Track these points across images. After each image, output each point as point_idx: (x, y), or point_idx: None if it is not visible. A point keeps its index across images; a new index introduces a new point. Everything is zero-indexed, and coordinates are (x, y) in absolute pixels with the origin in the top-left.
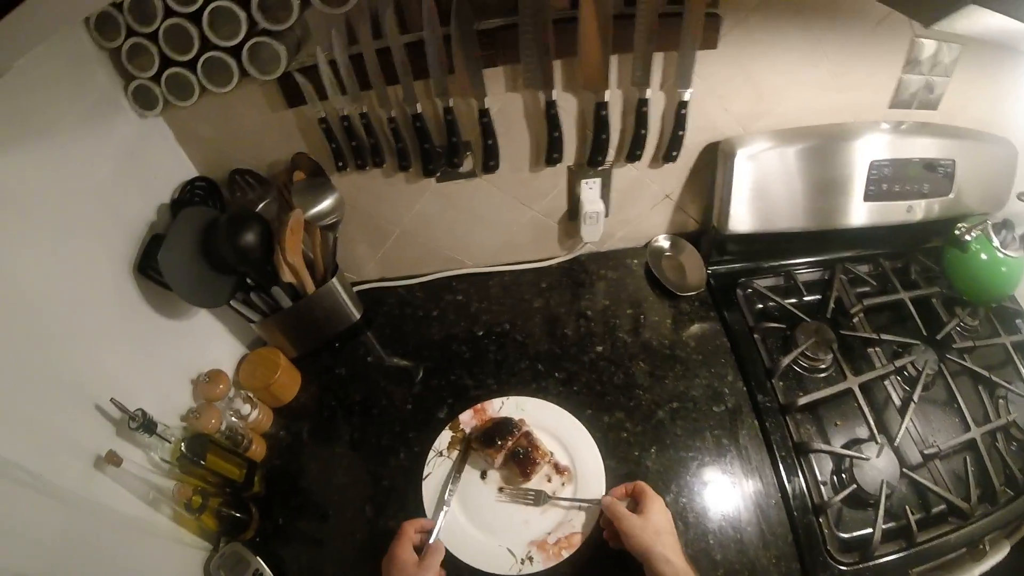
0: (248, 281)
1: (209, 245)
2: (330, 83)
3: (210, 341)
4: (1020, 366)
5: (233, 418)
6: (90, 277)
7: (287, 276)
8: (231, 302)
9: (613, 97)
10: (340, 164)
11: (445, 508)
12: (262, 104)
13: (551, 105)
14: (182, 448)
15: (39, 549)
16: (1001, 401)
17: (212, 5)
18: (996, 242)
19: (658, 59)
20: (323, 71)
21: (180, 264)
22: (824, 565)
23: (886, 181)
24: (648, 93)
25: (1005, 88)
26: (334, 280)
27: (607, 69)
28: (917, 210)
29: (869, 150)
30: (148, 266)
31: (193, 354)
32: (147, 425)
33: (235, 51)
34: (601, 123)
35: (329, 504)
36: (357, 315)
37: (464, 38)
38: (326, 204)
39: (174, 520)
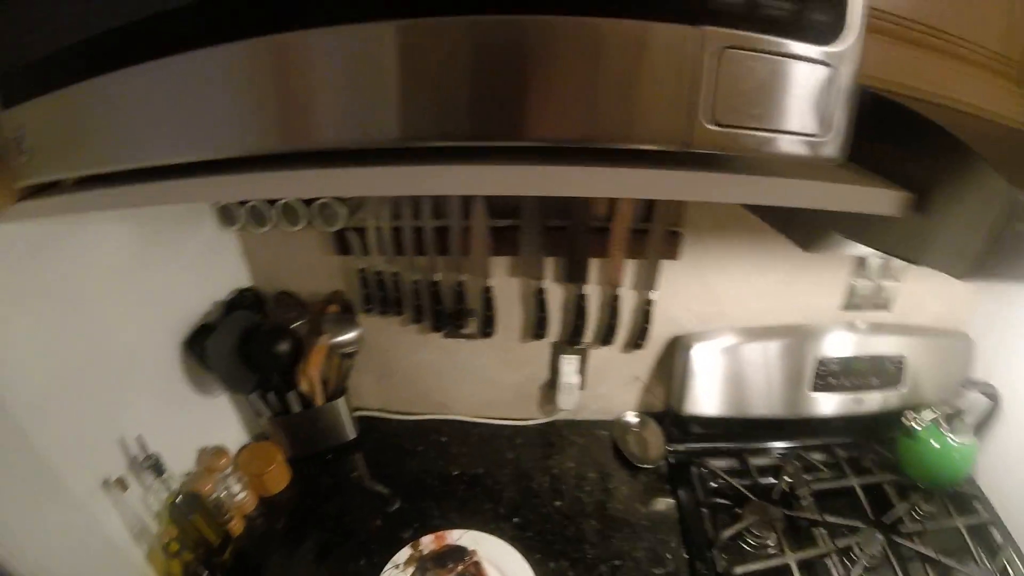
0: (271, 382)
1: (248, 344)
2: (373, 244)
3: (223, 423)
4: (974, 548)
5: (223, 492)
6: (148, 340)
7: (304, 386)
8: (251, 396)
9: (592, 291)
10: (368, 307)
11: None
12: (316, 247)
13: (540, 291)
14: (177, 499)
15: (31, 532)
16: None
17: None
18: (946, 429)
19: (630, 264)
20: (370, 234)
21: (221, 351)
22: None
23: (833, 376)
24: (620, 291)
25: (959, 286)
26: (340, 400)
27: (587, 269)
28: (869, 402)
29: (819, 348)
30: (194, 345)
31: (206, 427)
32: (157, 467)
33: (308, 204)
34: (580, 311)
35: None
36: (352, 435)
37: (478, 231)
38: (349, 336)
39: (147, 558)
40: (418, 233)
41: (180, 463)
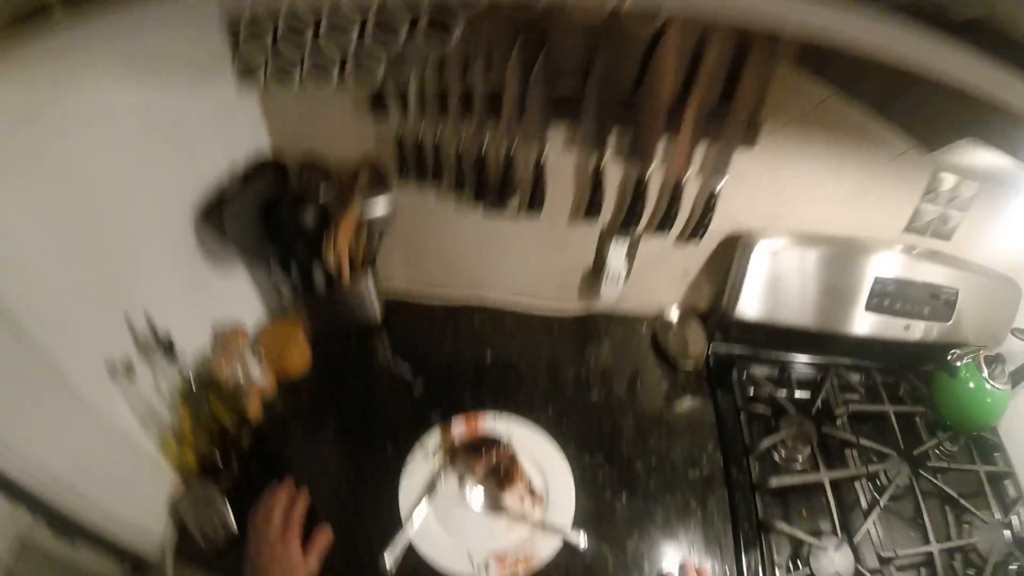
0: (294, 256)
1: (270, 215)
2: (414, 104)
3: (241, 299)
4: (990, 495)
5: (241, 374)
6: (160, 205)
7: (330, 261)
8: (272, 271)
9: (655, 173)
10: (403, 176)
11: (428, 501)
12: (348, 108)
13: (598, 168)
14: (191, 381)
15: (29, 423)
16: (965, 526)
17: (330, 21)
18: (986, 373)
19: (700, 148)
20: (411, 93)
21: (241, 222)
22: None
23: (888, 297)
24: (686, 176)
25: (1018, 231)
26: (368, 277)
27: (655, 148)
28: (915, 330)
29: (877, 266)
30: (211, 217)
31: (223, 305)
32: (169, 348)
33: (341, 57)
34: (640, 194)
35: (308, 475)
36: (379, 315)
37: (538, 94)
38: (382, 206)
39: (159, 446)
40: (466, 94)
41: (194, 344)
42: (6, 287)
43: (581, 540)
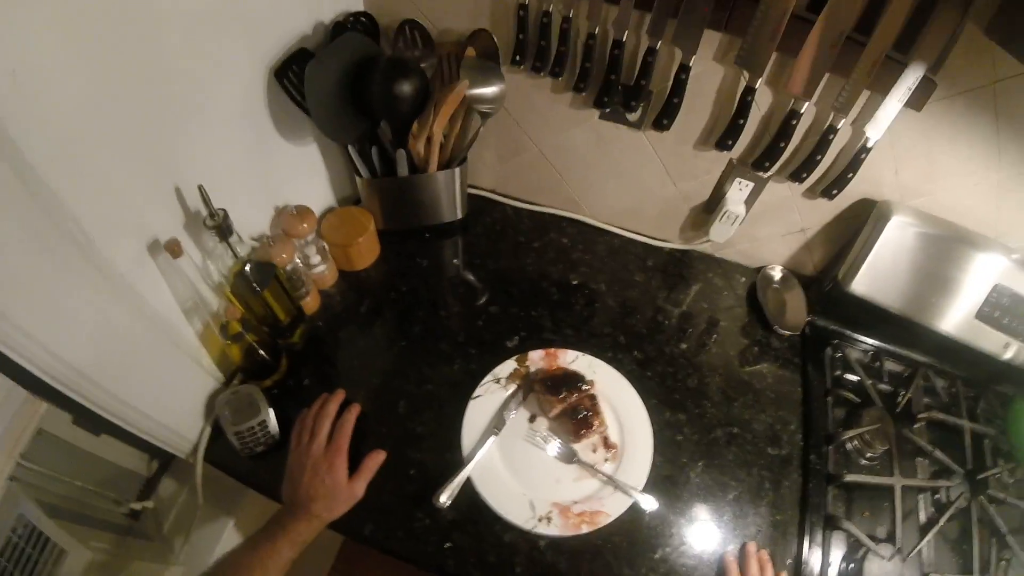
0: (378, 134)
1: (358, 80)
2: None
3: (310, 178)
4: None
5: (300, 263)
6: (228, 61)
7: (420, 144)
8: (350, 148)
9: (808, 111)
10: (517, 58)
11: (493, 435)
12: None
13: (749, 91)
14: (246, 267)
15: (52, 303)
16: (1003, 562)
17: None
18: None
19: (864, 96)
20: None
21: (322, 85)
22: None
23: (999, 309)
24: (841, 123)
25: None
26: (458, 169)
27: (817, 83)
28: (1011, 350)
29: (1000, 273)
30: (287, 75)
31: (288, 184)
32: (224, 228)
33: None
34: (786, 130)
35: (363, 385)
36: (460, 214)
37: None
38: (491, 90)
39: (200, 337)
40: None
41: (252, 223)
42: (29, 136)
43: (651, 504)
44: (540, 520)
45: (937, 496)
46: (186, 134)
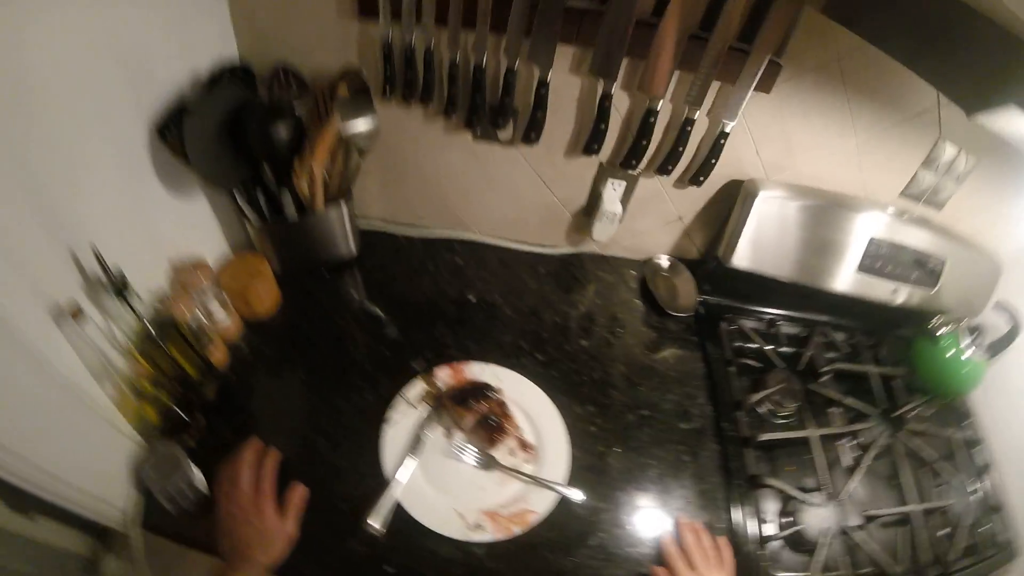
0: (261, 179)
1: (236, 128)
2: (408, 7)
3: (201, 230)
4: (958, 461)
5: (203, 315)
6: (107, 121)
7: (303, 185)
8: (236, 195)
9: (664, 108)
10: (387, 90)
11: (413, 456)
12: (331, 7)
13: (607, 97)
14: (147, 325)
15: None
16: (935, 489)
17: None
18: (965, 343)
19: (715, 87)
20: None
21: (202, 136)
22: None
23: (880, 259)
24: (696, 114)
25: (1006, 210)
26: (343, 205)
27: (668, 80)
28: (901, 294)
29: (872, 226)
30: (167, 131)
31: (180, 237)
32: (120, 286)
33: None
34: (646, 129)
35: (280, 430)
36: (354, 249)
37: (552, 7)
38: (363, 125)
39: (115, 403)
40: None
41: (150, 282)
42: None
43: (577, 495)
44: (472, 529)
45: (859, 439)
46: (79, 198)
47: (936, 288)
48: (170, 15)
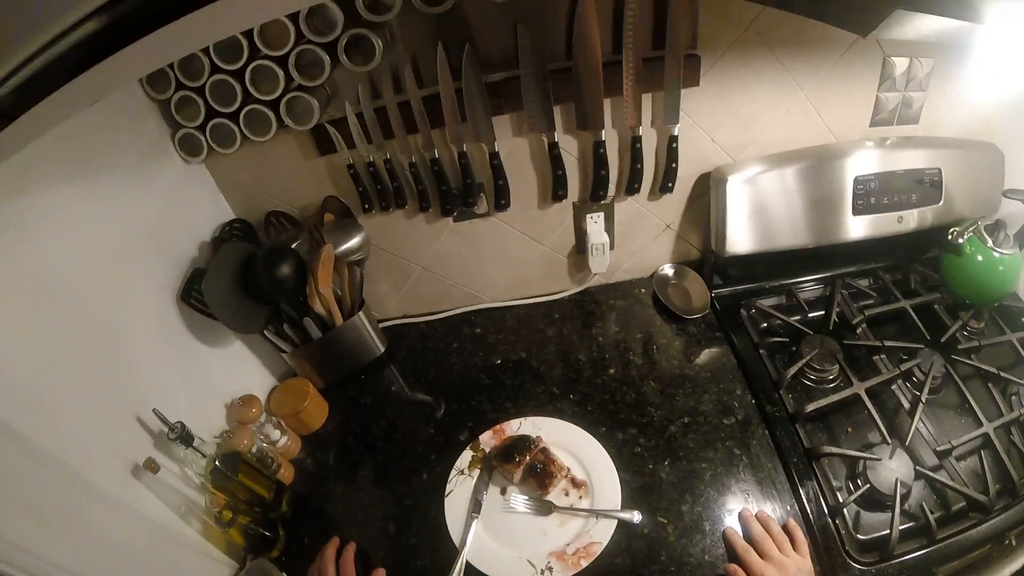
0: (282, 313)
1: (247, 277)
2: (357, 133)
3: (244, 369)
4: None
5: (263, 443)
6: (139, 302)
7: (318, 307)
8: (265, 333)
9: (609, 136)
10: (366, 206)
11: (475, 519)
12: (296, 153)
13: (554, 146)
14: (216, 463)
15: (74, 543)
16: (1014, 397)
17: (253, 64)
18: (990, 243)
19: (647, 99)
20: (351, 122)
21: (221, 293)
22: (844, 566)
23: (873, 195)
24: (640, 131)
25: (982, 94)
26: (360, 314)
27: (602, 111)
28: (909, 220)
29: (854, 166)
30: (191, 295)
31: (228, 380)
32: (185, 437)
33: (273, 104)
34: (600, 160)
35: (353, 523)
36: (381, 348)
37: (473, 90)
38: (354, 242)
39: (203, 534)
40: (405, 109)
41: (210, 425)
42: (8, 412)
43: (635, 516)
44: (542, 572)
45: (913, 379)
46: (132, 369)
47: (942, 200)
48: (168, 200)
